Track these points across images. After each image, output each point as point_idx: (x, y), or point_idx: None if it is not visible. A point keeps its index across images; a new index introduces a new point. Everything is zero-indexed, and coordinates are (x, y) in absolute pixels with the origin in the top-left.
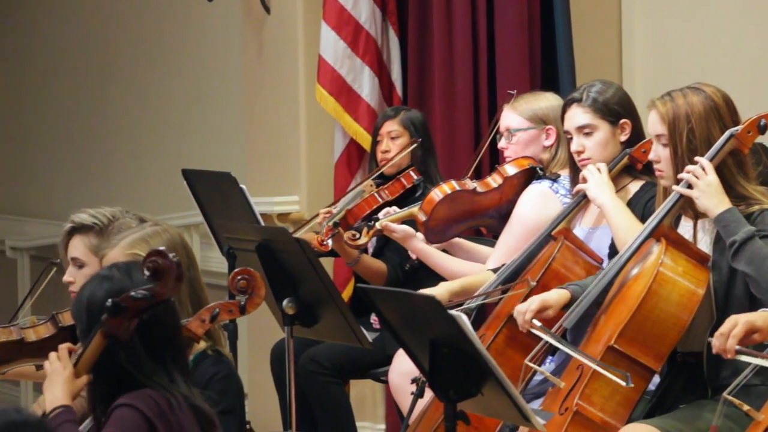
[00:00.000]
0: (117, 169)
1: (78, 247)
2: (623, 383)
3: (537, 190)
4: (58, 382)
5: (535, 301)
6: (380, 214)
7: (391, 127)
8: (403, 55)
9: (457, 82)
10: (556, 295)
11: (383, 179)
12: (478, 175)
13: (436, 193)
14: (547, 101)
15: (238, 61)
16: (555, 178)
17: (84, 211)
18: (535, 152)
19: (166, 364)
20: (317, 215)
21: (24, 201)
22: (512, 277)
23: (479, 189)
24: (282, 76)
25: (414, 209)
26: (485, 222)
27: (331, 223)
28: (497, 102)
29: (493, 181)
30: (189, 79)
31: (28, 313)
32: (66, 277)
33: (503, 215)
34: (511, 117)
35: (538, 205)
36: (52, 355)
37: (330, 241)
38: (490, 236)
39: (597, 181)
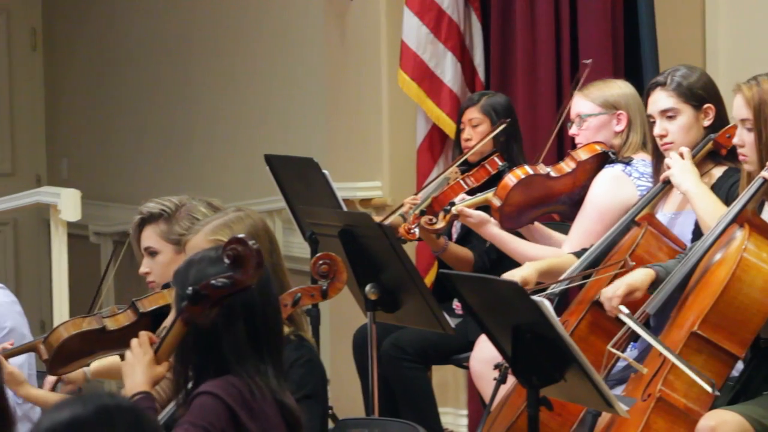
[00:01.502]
0: (199, 155)
1: (150, 237)
2: (709, 389)
3: (610, 173)
4: (139, 368)
5: (622, 285)
6: (456, 200)
7: (471, 114)
8: (486, 40)
9: (539, 68)
10: (642, 276)
11: (468, 166)
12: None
13: (510, 179)
14: (618, 88)
15: (321, 46)
16: (628, 162)
17: (151, 201)
18: (606, 137)
19: (262, 355)
20: (402, 204)
21: (107, 186)
22: (595, 262)
23: (553, 174)
24: (365, 61)
25: (489, 195)
26: (558, 208)
27: (417, 212)
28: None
29: (567, 166)
30: (272, 64)
31: (111, 298)
32: (142, 269)
33: (576, 201)
34: (582, 103)
35: (612, 189)
36: (134, 341)
37: (417, 230)
38: (562, 220)
39: (681, 167)
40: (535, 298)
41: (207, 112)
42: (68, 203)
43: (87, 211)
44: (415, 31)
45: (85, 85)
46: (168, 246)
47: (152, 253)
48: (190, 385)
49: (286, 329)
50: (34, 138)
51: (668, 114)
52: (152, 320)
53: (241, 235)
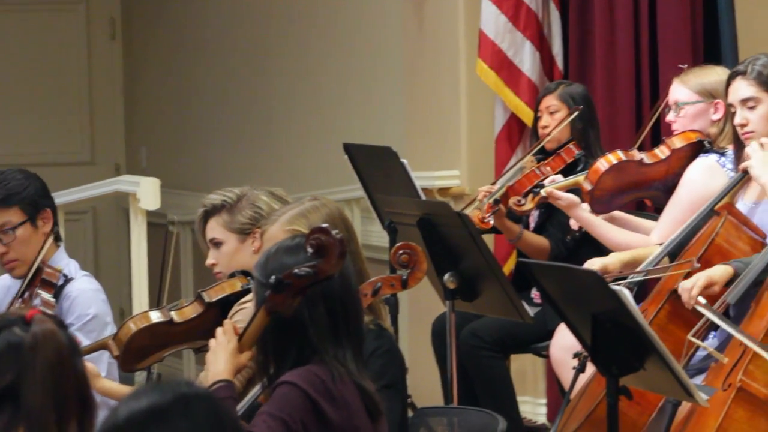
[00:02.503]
0: (277, 144)
1: (214, 228)
2: None
3: (704, 163)
4: (222, 356)
5: (701, 278)
6: (546, 182)
7: (549, 102)
8: (564, 29)
9: (618, 56)
10: (721, 271)
11: (544, 154)
12: (643, 149)
13: (603, 163)
14: (716, 75)
15: (399, 35)
16: (722, 152)
17: (213, 192)
18: (702, 126)
19: (341, 341)
20: (477, 194)
21: (185, 175)
22: (676, 251)
23: (646, 160)
24: (443, 50)
25: (579, 178)
26: (650, 194)
27: (491, 201)
28: (659, 76)
29: (661, 153)
30: (350, 53)
31: (190, 289)
32: (208, 261)
33: (668, 188)
34: (679, 90)
35: (704, 179)
36: (218, 329)
37: (491, 219)
38: (652, 210)
39: (760, 159)
40: (615, 286)
41: (284, 101)
42: (147, 192)
43: (166, 199)
44: (493, 20)
45: (164, 73)
46: (232, 236)
47: (217, 244)
48: (271, 373)
49: (366, 318)
50: (113, 127)
51: (749, 104)
52: (219, 310)
53: (324, 225)
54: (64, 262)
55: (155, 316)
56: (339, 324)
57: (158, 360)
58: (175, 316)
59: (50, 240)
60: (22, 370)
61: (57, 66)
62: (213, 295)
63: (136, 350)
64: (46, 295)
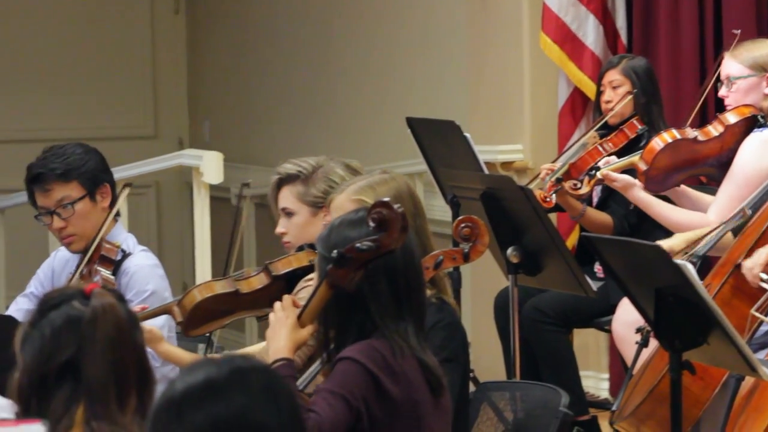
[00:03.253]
0: (340, 117)
1: (286, 197)
2: None
3: (758, 138)
4: (282, 333)
5: (762, 255)
6: (601, 164)
7: (612, 76)
8: (628, 2)
9: (682, 30)
10: None
11: (607, 129)
12: (699, 124)
13: (657, 142)
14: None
15: (464, 10)
16: None
17: (289, 162)
18: (755, 100)
19: (403, 315)
20: (540, 172)
21: (248, 149)
22: (739, 227)
23: (700, 138)
24: (506, 24)
25: (635, 158)
26: (705, 171)
27: (554, 179)
28: (723, 50)
29: (714, 129)
30: (413, 27)
31: (252, 258)
32: (278, 229)
33: (723, 164)
34: (731, 65)
35: (759, 154)
36: (277, 304)
37: (554, 197)
38: (713, 185)
39: None
40: (678, 261)
41: (348, 75)
42: (210, 166)
43: (228, 173)
44: None
45: (228, 47)
46: (304, 207)
47: (289, 213)
48: (332, 348)
49: (428, 292)
50: (176, 101)
51: None
52: (285, 283)
53: (386, 199)
54: (122, 236)
55: (220, 286)
56: (401, 298)
57: (220, 327)
58: (241, 286)
59: (111, 215)
60: (82, 344)
61: (121, 40)
62: (280, 267)
63: (198, 317)
64: (106, 273)
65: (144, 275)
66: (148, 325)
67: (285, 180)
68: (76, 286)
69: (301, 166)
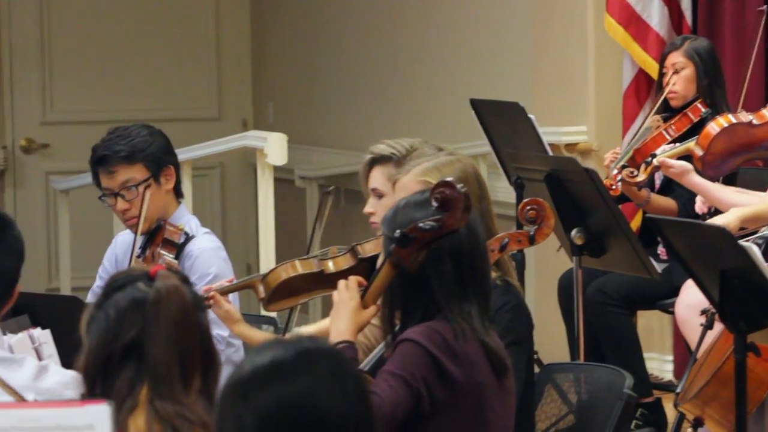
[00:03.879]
0: (403, 99)
1: (377, 178)
2: None
3: None
4: (345, 314)
5: None
6: (657, 151)
7: (675, 58)
8: None
9: (747, 11)
10: None
11: (671, 112)
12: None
13: (713, 127)
14: None
15: None
16: None
17: (382, 142)
18: None
19: (467, 296)
20: (604, 160)
21: (312, 130)
22: None
23: (755, 121)
24: (570, 5)
25: (690, 144)
26: (762, 154)
27: (619, 166)
28: None
29: None
30: (477, 7)
31: (317, 238)
32: (366, 208)
33: None
34: None
35: None
36: (341, 283)
37: (619, 184)
38: None
39: None
40: (743, 243)
41: (411, 56)
42: (274, 147)
43: (292, 155)
44: None
45: (291, 29)
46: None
47: (378, 194)
48: (396, 329)
49: (493, 274)
50: (240, 82)
51: None
52: (370, 265)
53: (449, 179)
54: (184, 219)
55: (305, 266)
56: (465, 280)
57: (299, 303)
58: (325, 266)
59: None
60: (146, 325)
61: (185, 22)
62: (367, 250)
63: (280, 295)
64: (169, 257)
65: (207, 258)
66: (226, 305)
67: (377, 160)
68: (141, 268)
69: (394, 148)
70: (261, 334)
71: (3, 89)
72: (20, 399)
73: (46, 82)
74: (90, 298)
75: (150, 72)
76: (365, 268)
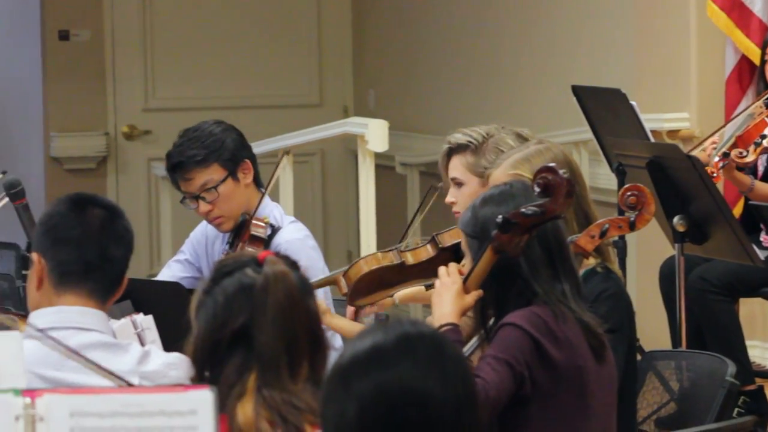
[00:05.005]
0: (504, 86)
1: (456, 167)
2: None
3: None
4: (448, 298)
5: None
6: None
7: None
8: None
9: None
10: None
11: None
12: None
13: None
14: None
15: None
16: None
17: (459, 131)
18: None
19: (559, 277)
20: (706, 149)
21: (413, 117)
22: None
23: None
24: None
25: None
26: None
27: (720, 153)
28: None
29: None
30: None
31: (418, 231)
32: (448, 198)
33: None
34: None
35: None
36: (442, 270)
37: (720, 172)
38: None
39: None
40: None
41: (513, 43)
42: (375, 134)
43: (393, 141)
44: None
45: (392, 15)
46: (473, 178)
47: (458, 183)
48: (494, 315)
49: (593, 261)
50: (341, 69)
51: None
52: (452, 254)
53: (551, 164)
54: (268, 209)
55: (386, 258)
56: (554, 261)
57: (383, 297)
58: (406, 258)
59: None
60: (254, 311)
61: (286, 8)
62: (447, 239)
63: (363, 288)
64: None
65: (295, 250)
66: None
67: (455, 150)
68: (250, 253)
69: (471, 136)
70: (353, 325)
71: (106, 76)
72: (123, 384)
73: (148, 69)
74: (165, 271)
75: (251, 59)
76: (447, 257)
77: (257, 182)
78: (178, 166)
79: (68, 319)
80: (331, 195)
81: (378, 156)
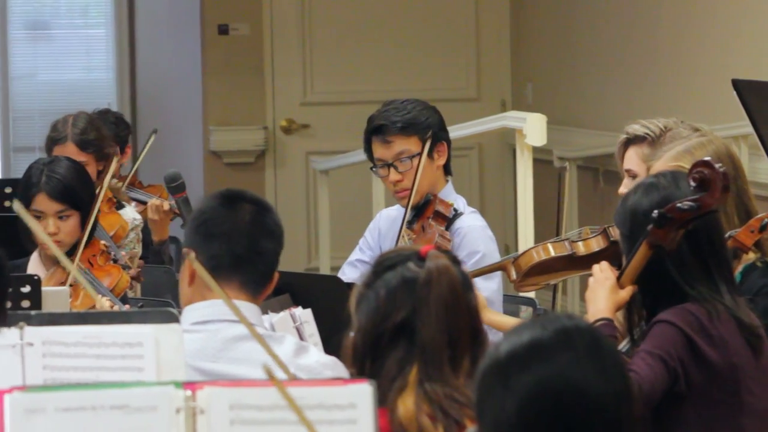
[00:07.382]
0: (662, 79)
1: (632, 158)
2: None
3: None
4: (602, 294)
5: None
6: None
7: None
8: None
9: None
10: None
11: None
12: None
13: None
14: None
15: None
16: None
17: (637, 122)
18: None
19: (712, 273)
20: None
21: (571, 111)
22: None
23: None
24: None
25: None
26: None
27: None
28: None
29: None
30: None
31: (575, 219)
32: (621, 189)
33: None
34: None
35: None
36: (595, 267)
37: None
38: None
39: None
40: None
41: (671, 36)
42: (534, 128)
43: (551, 135)
44: None
45: (550, 9)
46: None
47: (633, 175)
48: (647, 312)
49: (753, 255)
50: (499, 63)
51: None
52: None
53: (707, 158)
54: (452, 197)
55: (557, 248)
56: (707, 258)
57: (549, 282)
58: (577, 249)
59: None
60: (416, 305)
61: (444, 1)
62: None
63: (533, 276)
64: (440, 228)
65: (476, 237)
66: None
67: (632, 141)
68: (412, 247)
69: (648, 128)
70: (511, 320)
71: (264, 70)
72: (289, 374)
73: (307, 63)
74: (346, 270)
75: (409, 52)
76: (617, 249)
77: (446, 169)
78: (381, 128)
79: (221, 311)
80: (489, 189)
81: (536, 150)
